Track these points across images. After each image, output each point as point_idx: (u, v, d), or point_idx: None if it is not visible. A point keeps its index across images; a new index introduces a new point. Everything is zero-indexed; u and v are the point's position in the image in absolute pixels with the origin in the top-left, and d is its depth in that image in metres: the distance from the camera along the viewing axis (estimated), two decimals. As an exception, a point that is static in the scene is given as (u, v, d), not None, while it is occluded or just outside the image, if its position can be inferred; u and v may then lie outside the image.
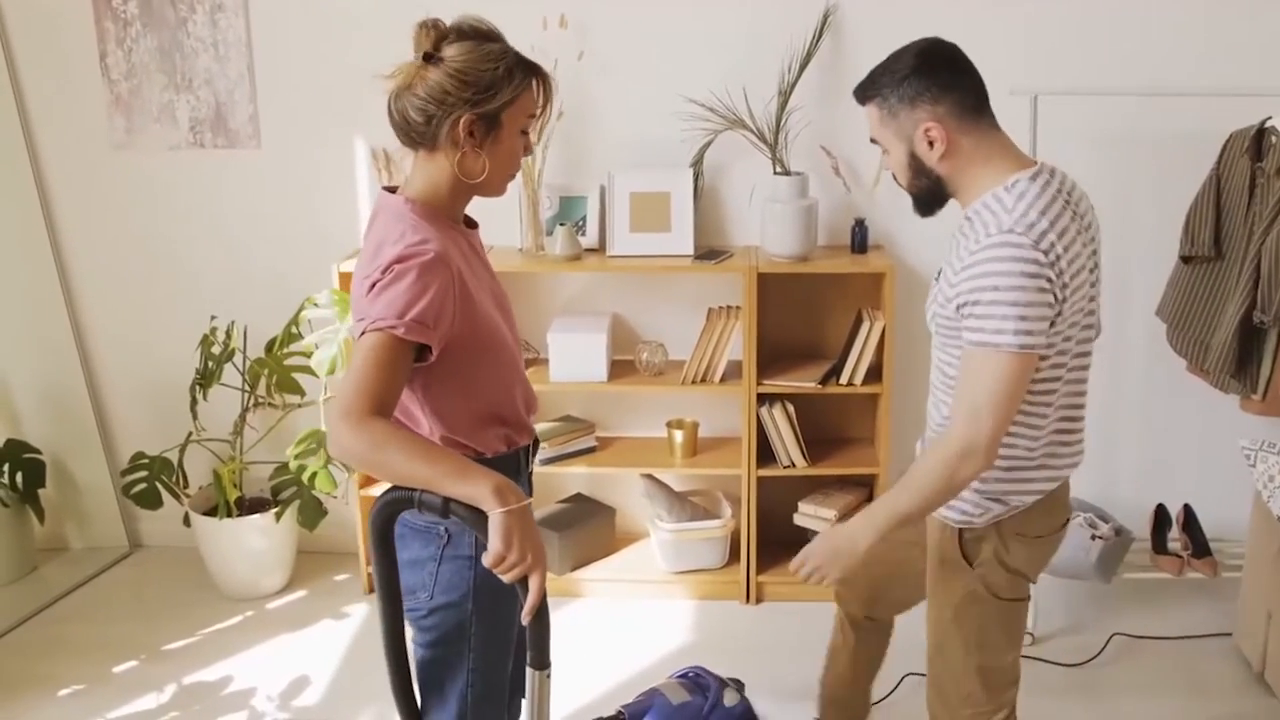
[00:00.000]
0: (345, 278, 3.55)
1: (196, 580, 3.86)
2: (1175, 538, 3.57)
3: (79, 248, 3.90)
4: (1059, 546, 2.20)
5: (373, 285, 1.77)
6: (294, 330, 3.61)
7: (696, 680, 2.94)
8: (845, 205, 3.64)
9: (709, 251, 3.60)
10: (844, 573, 2.04)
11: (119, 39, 3.65)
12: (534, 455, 2.13)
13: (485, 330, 1.90)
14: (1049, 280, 1.83)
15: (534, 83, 1.89)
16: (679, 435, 3.69)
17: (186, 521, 3.79)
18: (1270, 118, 3.17)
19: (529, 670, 1.79)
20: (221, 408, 3.80)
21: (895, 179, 2.07)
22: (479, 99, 1.82)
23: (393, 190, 1.94)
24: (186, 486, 3.79)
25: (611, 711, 2.86)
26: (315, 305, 3.54)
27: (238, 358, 3.66)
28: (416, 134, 1.88)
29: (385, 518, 1.84)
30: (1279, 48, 3.43)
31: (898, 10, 3.48)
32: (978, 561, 2.08)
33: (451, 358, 1.85)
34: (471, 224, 2.04)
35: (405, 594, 1.97)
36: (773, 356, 3.68)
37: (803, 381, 3.53)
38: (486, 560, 1.68)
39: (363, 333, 1.74)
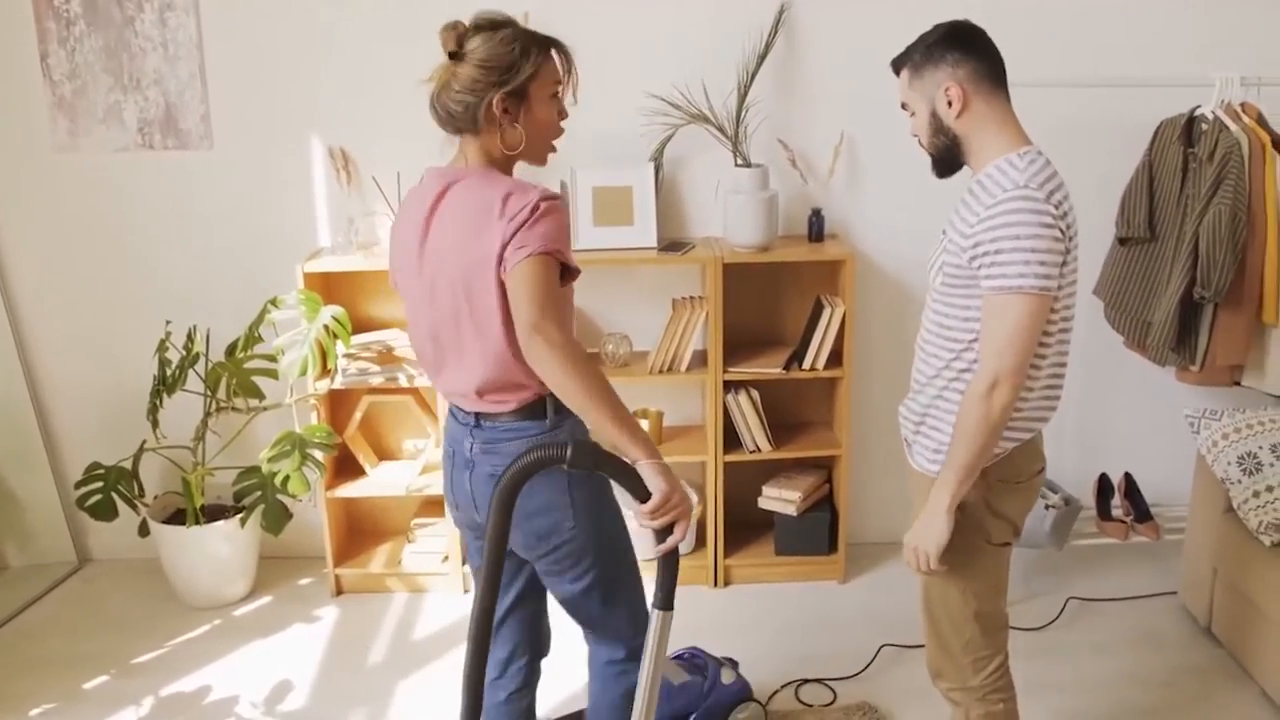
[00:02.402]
0: (310, 278, 3.52)
1: (156, 591, 3.78)
2: (1118, 505, 3.78)
3: (20, 253, 3.77)
4: (1036, 494, 2.34)
5: (524, 221, 1.98)
6: (255, 334, 3.56)
7: (693, 660, 3.02)
8: (801, 196, 3.75)
9: (671, 244, 3.67)
10: (940, 546, 2.16)
11: (61, 38, 3.54)
12: None
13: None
14: (1060, 232, 2.05)
15: (552, 53, 2.11)
16: (645, 425, 3.75)
17: (142, 532, 3.71)
18: (1199, 106, 3.38)
19: (654, 611, 1.96)
20: (176, 414, 3.72)
21: (919, 141, 2.26)
22: (505, 79, 2.04)
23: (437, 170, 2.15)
24: (142, 496, 3.70)
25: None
26: (276, 307, 3.51)
27: (199, 362, 3.60)
28: (461, 122, 2.08)
29: (522, 479, 1.90)
30: (1204, 41, 3.65)
31: (848, 8, 3.60)
32: (969, 508, 2.22)
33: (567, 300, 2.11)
34: None
35: (545, 537, 2.14)
36: (734, 344, 3.76)
37: (767, 368, 3.62)
38: (649, 506, 1.91)
39: (528, 255, 1.96)
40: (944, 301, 2.21)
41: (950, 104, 2.15)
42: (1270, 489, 3.07)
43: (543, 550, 2.17)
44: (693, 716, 2.89)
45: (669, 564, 1.94)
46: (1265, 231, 3.25)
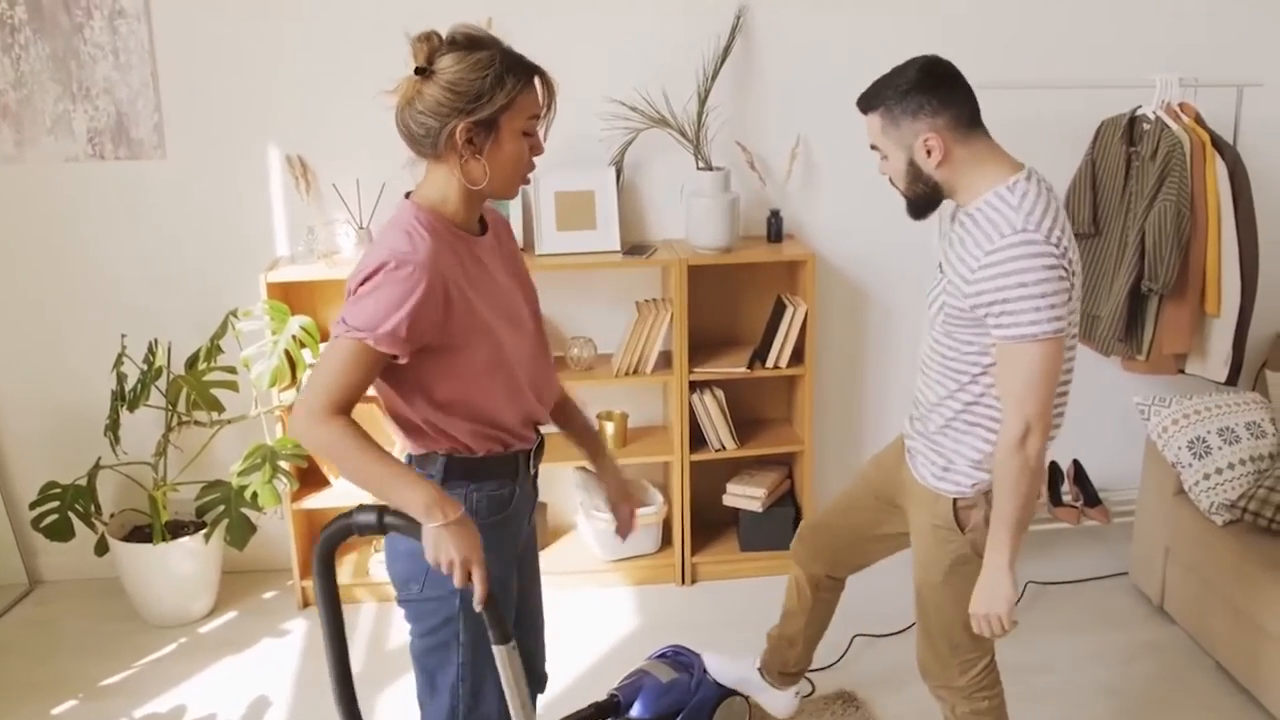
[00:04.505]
0: (274, 288, 3.47)
1: (115, 611, 3.69)
2: (1068, 491, 3.91)
3: (-39, 269, 3.66)
4: (1035, 511, 2.40)
5: (358, 285, 1.87)
6: (217, 345, 3.50)
7: (678, 658, 3.05)
8: (759, 197, 3.81)
9: (634, 247, 3.70)
10: (1011, 605, 2.17)
11: (5, 46, 3.44)
12: (537, 459, 2.18)
13: (472, 339, 1.95)
14: (1064, 269, 2.04)
15: (534, 83, 1.93)
16: (610, 426, 3.78)
17: (99, 551, 3.61)
18: (1140, 106, 3.53)
19: (495, 648, 1.92)
20: (131, 429, 3.63)
21: (892, 183, 2.23)
22: (472, 107, 1.87)
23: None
24: (99, 514, 3.61)
25: (603, 696, 2.95)
26: (238, 318, 3.46)
27: (161, 377, 3.52)
28: (421, 145, 1.93)
29: (332, 545, 1.97)
30: (1142, 43, 3.80)
31: (802, 12, 3.67)
32: (970, 527, 2.26)
33: (435, 359, 1.93)
34: (485, 228, 2.07)
35: (399, 585, 2.08)
36: (695, 345, 3.80)
37: (730, 367, 3.68)
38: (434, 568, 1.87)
39: (335, 336, 1.86)
40: (947, 335, 2.21)
41: (929, 153, 2.11)
42: (1220, 471, 3.22)
43: (400, 595, 2.09)
44: (681, 713, 2.93)
45: (488, 605, 1.89)
46: (1206, 226, 3.40)
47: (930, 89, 2.11)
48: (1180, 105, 3.50)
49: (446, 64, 1.86)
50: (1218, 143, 3.43)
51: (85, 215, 3.64)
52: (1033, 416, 2.07)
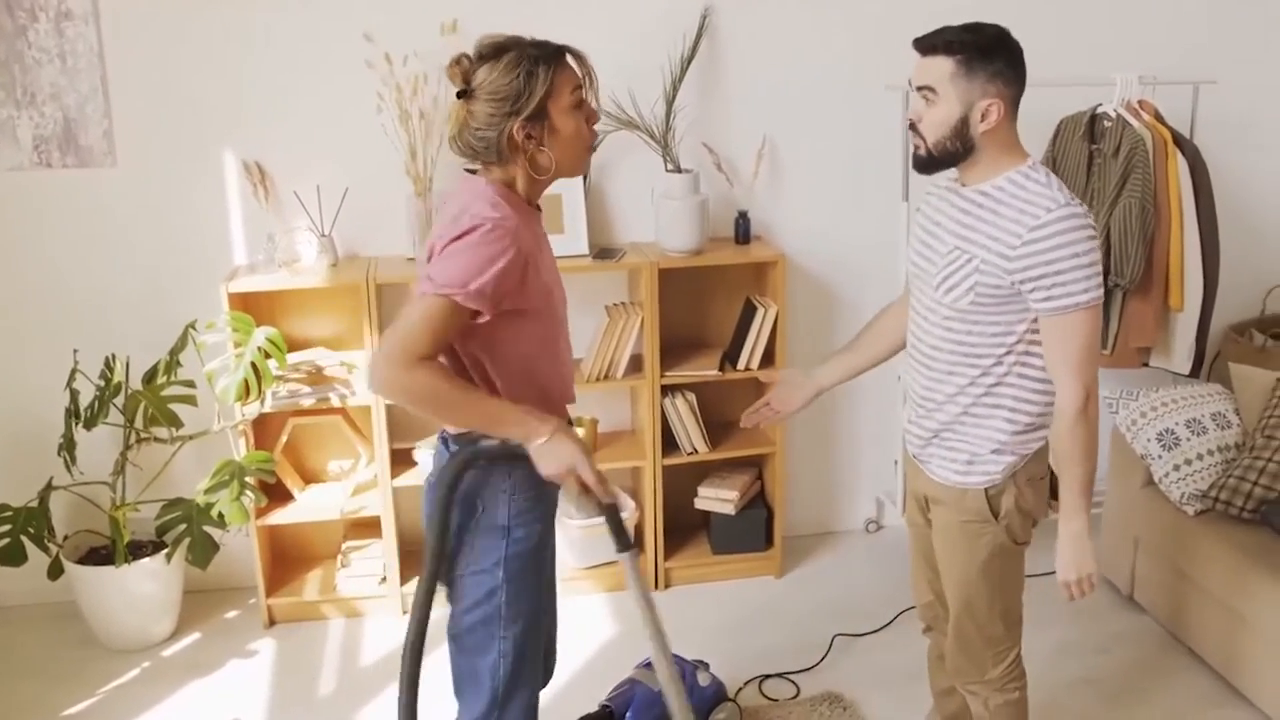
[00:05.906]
0: (235, 298, 3.37)
1: (71, 635, 3.55)
2: (1034, 484, 3.96)
3: (-102, 284, 3.49)
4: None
5: (447, 244, 1.93)
6: (176, 359, 3.39)
7: (668, 666, 3.02)
8: (726, 198, 3.79)
9: (602, 250, 3.66)
10: (1096, 563, 2.25)
11: (-56, 51, 3.30)
12: None
13: (539, 307, 2.04)
14: (1098, 243, 2.12)
15: (566, 60, 2.03)
16: (580, 432, 3.72)
17: (52, 574, 3.47)
18: (1101, 104, 3.58)
19: (620, 555, 2.08)
20: (85, 449, 3.49)
21: (915, 129, 2.18)
22: (519, 106, 1.98)
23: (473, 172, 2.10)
24: (52, 536, 3.47)
25: (592, 707, 2.92)
26: (197, 330, 3.35)
27: (120, 394, 3.39)
28: (487, 156, 2.03)
29: (457, 476, 2.03)
30: (1100, 40, 3.86)
31: (765, 13, 3.66)
32: (1003, 514, 2.28)
33: (506, 323, 1.99)
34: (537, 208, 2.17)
35: (450, 562, 2.12)
36: (664, 348, 3.76)
37: (702, 370, 3.66)
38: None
39: (422, 293, 1.93)
40: (967, 320, 2.19)
41: (984, 118, 2.11)
42: (1189, 462, 3.28)
43: (450, 573, 2.13)
44: (673, 722, 2.90)
45: (608, 510, 2.06)
46: (1169, 222, 3.46)
47: (1010, 58, 2.14)
48: (1140, 103, 3.55)
49: (482, 78, 1.98)
50: (1178, 139, 3.49)
51: (32, 226, 3.50)
52: (1090, 382, 2.13)
